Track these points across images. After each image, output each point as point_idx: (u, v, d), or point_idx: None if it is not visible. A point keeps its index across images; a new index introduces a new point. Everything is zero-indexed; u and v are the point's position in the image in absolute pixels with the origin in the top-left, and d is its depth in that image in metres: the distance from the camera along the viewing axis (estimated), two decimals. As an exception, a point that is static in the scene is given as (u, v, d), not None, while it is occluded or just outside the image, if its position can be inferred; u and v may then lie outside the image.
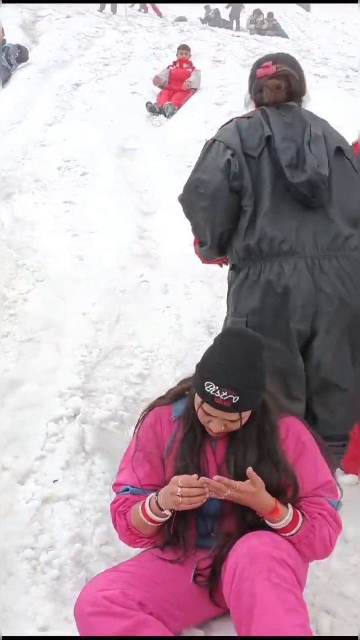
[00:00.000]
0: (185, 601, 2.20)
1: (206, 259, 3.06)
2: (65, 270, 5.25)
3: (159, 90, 10.11)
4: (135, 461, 2.33)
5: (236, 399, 2.07)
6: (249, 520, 2.17)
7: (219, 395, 2.07)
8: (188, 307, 4.66)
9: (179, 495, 2.06)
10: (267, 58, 2.90)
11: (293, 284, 2.60)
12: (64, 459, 3.10)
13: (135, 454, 2.34)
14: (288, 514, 2.14)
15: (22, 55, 10.06)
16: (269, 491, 2.13)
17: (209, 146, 2.77)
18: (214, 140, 2.76)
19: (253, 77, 2.90)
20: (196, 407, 2.19)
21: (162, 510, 2.16)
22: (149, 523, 2.21)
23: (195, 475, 2.09)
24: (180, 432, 2.29)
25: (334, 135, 2.82)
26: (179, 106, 9.55)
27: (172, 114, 9.34)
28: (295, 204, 2.65)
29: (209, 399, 2.10)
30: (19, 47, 10.17)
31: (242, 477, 2.13)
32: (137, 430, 2.39)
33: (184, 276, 5.13)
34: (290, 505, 2.16)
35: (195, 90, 9.97)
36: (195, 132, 8.19)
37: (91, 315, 4.54)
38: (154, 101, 9.80)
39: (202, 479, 2.06)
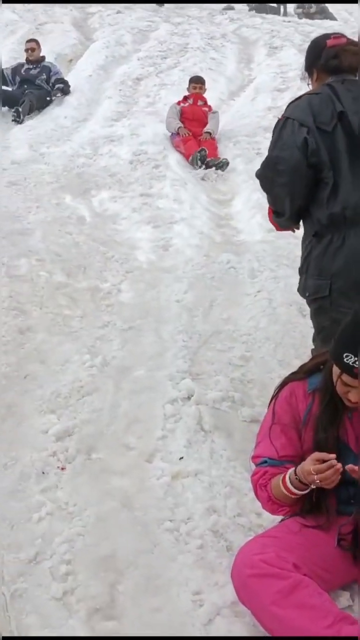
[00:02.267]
0: (331, 564, 2.32)
1: (282, 227, 3.19)
2: (151, 260, 5.41)
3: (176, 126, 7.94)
4: (272, 433, 2.44)
5: None
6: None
7: (357, 365, 2.17)
8: (277, 290, 4.75)
9: (314, 477, 2.18)
10: (330, 33, 3.01)
11: None
12: (185, 437, 3.24)
13: (272, 427, 2.45)
14: None
15: (65, 88, 9.33)
16: None
17: (283, 123, 2.85)
18: (286, 118, 2.85)
19: (321, 48, 2.97)
20: (334, 379, 2.29)
21: (302, 484, 2.27)
22: (290, 495, 2.33)
23: (327, 463, 2.17)
24: (316, 404, 2.40)
25: None
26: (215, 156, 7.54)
27: (226, 165, 7.38)
28: None
29: (347, 369, 2.20)
30: (63, 80, 9.45)
31: None
32: (272, 404, 2.50)
33: (269, 261, 5.24)
34: None
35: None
36: (260, 119, 8.30)
37: (185, 302, 4.67)
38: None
39: (349, 466, 2.15)
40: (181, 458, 3.11)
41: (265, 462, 2.42)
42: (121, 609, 2.32)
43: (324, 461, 2.18)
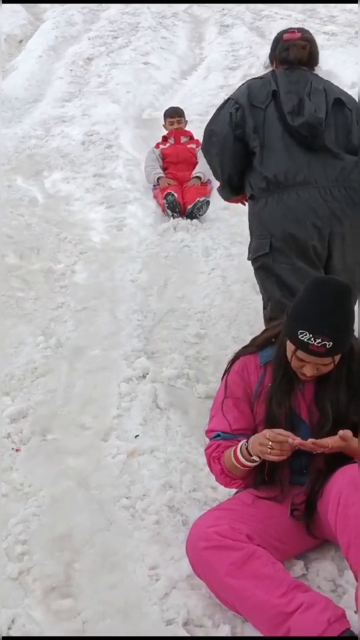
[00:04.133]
0: (284, 534, 2.34)
1: (223, 197, 3.52)
2: (105, 240, 5.38)
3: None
4: (224, 407, 2.46)
5: (330, 344, 2.18)
6: (339, 457, 2.30)
7: (312, 342, 2.19)
8: (231, 267, 4.77)
9: (268, 447, 2.18)
10: (291, 28, 3.37)
11: (309, 208, 2.99)
12: (140, 415, 3.24)
13: (224, 401, 2.46)
14: None
15: None
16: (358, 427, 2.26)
17: (224, 103, 3.23)
18: (228, 98, 3.22)
19: (278, 40, 3.30)
20: (289, 354, 2.30)
21: (252, 456, 2.29)
22: (241, 467, 2.34)
23: (281, 430, 2.20)
24: (268, 377, 2.42)
25: (335, 89, 3.24)
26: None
27: (205, 211, 5.73)
28: (301, 146, 3.05)
29: (303, 346, 2.22)
30: None
31: (337, 417, 2.29)
32: (224, 378, 2.51)
33: (222, 239, 5.26)
34: None
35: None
36: (212, 98, 8.26)
37: (139, 282, 4.67)
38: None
39: (297, 441, 2.17)
40: (137, 436, 3.11)
41: (219, 435, 2.44)
42: (77, 587, 2.33)
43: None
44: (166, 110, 6.96)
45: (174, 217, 5.67)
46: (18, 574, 2.37)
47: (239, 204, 3.58)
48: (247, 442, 2.30)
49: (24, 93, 8.92)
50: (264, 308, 3.23)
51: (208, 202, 5.71)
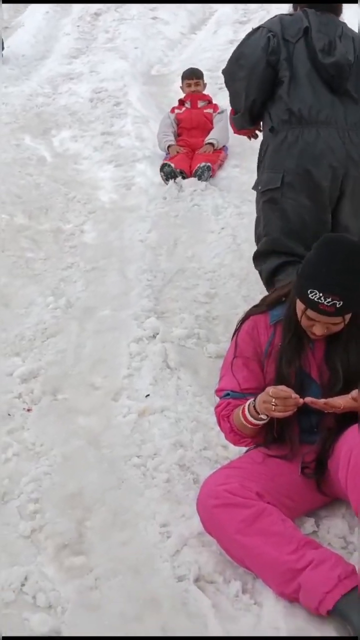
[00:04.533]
0: (295, 492, 2.35)
1: (237, 126, 3.48)
2: (114, 200, 5.35)
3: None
4: (234, 367, 2.45)
5: (339, 303, 2.16)
6: (349, 415, 2.29)
7: (322, 301, 2.17)
8: (241, 226, 4.71)
9: (272, 404, 2.18)
10: None
11: (328, 147, 3.04)
12: (150, 375, 3.24)
13: (234, 360, 2.46)
14: None
15: None
16: None
17: (254, 30, 3.17)
18: (259, 27, 3.18)
19: None
20: (299, 314, 2.29)
21: (259, 414, 2.28)
22: (249, 425, 2.34)
23: (283, 387, 2.19)
24: (278, 336, 2.40)
25: None
26: (214, 171, 5.59)
27: (207, 177, 5.47)
28: (326, 86, 3.07)
29: (312, 305, 2.20)
30: None
31: (347, 376, 2.28)
32: (234, 338, 2.50)
33: (232, 197, 5.20)
34: None
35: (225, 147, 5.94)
36: (222, 53, 8.09)
37: (148, 242, 4.63)
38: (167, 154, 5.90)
39: (309, 399, 2.17)
40: (147, 395, 3.11)
41: (228, 394, 2.44)
42: (89, 544, 2.35)
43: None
44: (184, 72, 6.50)
45: (176, 183, 5.43)
46: (30, 532, 2.39)
47: (246, 137, 3.69)
48: (254, 400, 2.30)
49: (31, 50, 8.81)
50: (257, 242, 3.29)
51: (209, 168, 5.47)
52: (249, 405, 2.31)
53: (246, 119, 3.33)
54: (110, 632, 2.02)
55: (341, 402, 2.16)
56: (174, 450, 2.77)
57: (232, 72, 3.22)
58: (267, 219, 3.19)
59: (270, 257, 3.23)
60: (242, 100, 3.21)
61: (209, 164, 5.51)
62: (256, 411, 2.28)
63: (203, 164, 5.50)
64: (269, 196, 3.16)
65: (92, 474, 2.65)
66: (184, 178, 5.50)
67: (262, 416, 2.27)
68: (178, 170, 5.51)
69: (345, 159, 3.04)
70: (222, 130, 5.82)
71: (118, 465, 2.72)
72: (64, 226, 4.86)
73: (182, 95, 6.44)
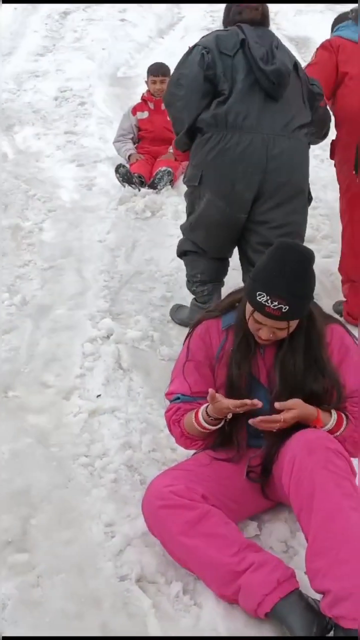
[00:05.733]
0: (240, 495, 2.39)
1: (179, 147, 3.50)
2: (75, 199, 5.33)
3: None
4: (186, 370, 2.48)
5: (285, 308, 2.19)
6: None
7: (269, 304, 2.20)
8: (200, 232, 4.74)
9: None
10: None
11: (247, 153, 3.15)
12: (103, 375, 3.26)
13: (185, 364, 2.48)
14: (331, 418, 2.31)
15: None
16: (315, 395, 2.31)
17: (191, 49, 3.26)
18: (195, 45, 3.26)
19: (230, 7, 3.38)
20: (247, 316, 2.32)
21: (210, 417, 2.32)
22: (202, 430, 2.38)
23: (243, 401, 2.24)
24: (229, 341, 2.43)
25: (291, 54, 3.35)
26: (175, 177, 5.53)
27: (167, 182, 5.46)
28: (261, 94, 3.16)
29: (259, 307, 2.23)
30: None
31: (291, 383, 2.32)
32: (186, 342, 2.52)
33: (193, 202, 5.21)
34: (333, 411, 2.33)
35: None
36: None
37: (107, 243, 4.65)
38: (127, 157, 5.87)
39: (251, 420, 2.23)
40: (98, 396, 3.13)
41: (179, 398, 2.46)
42: (33, 542, 2.35)
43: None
44: (150, 66, 6.03)
45: (133, 187, 5.43)
46: (-26, 528, 2.38)
47: None
48: (207, 406, 2.32)
49: (-4, 46, 8.72)
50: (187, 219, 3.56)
51: (169, 172, 5.43)
52: (202, 411, 2.35)
53: (187, 138, 3.33)
54: (51, 630, 2.03)
55: (282, 416, 2.22)
56: (123, 451, 2.79)
57: (172, 94, 3.28)
58: (189, 209, 3.49)
59: (187, 241, 3.58)
60: (184, 119, 3.26)
61: (169, 168, 5.50)
62: (208, 415, 2.31)
63: (164, 168, 5.50)
64: (190, 190, 3.42)
65: (40, 472, 2.65)
66: (142, 183, 5.48)
67: (216, 421, 2.32)
68: (136, 174, 5.51)
69: (266, 163, 3.15)
70: None
71: (66, 464, 2.72)
72: (23, 223, 4.83)
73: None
